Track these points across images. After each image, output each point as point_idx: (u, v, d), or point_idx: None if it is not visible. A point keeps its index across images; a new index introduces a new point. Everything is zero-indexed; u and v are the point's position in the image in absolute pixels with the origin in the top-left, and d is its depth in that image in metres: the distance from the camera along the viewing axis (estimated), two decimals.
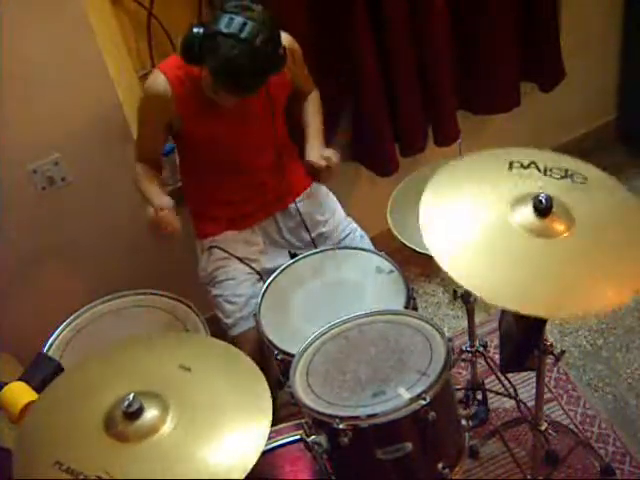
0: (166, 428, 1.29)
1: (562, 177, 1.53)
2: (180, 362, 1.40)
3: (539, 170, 1.55)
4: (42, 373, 1.47)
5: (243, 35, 1.64)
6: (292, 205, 2.10)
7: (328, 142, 2.05)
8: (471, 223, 1.47)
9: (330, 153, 1.98)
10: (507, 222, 1.44)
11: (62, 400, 1.40)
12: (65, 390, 1.43)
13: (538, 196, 1.42)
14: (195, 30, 1.69)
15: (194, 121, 1.88)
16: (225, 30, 1.65)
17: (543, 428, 1.85)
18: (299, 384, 1.55)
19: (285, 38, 1.92)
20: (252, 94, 1.77)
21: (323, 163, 1.96)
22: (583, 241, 1.41)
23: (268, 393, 1.36)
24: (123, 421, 1.29)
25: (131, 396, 1.29)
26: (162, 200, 1.86)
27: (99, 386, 1.40)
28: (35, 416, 1.37)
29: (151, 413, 1.30)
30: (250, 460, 1.25)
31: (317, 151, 2.00)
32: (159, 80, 1.84)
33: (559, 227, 1.42)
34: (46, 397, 1.41)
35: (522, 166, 1.56)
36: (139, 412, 1.29)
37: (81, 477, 1.24)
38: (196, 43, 1.69)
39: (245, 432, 1.30)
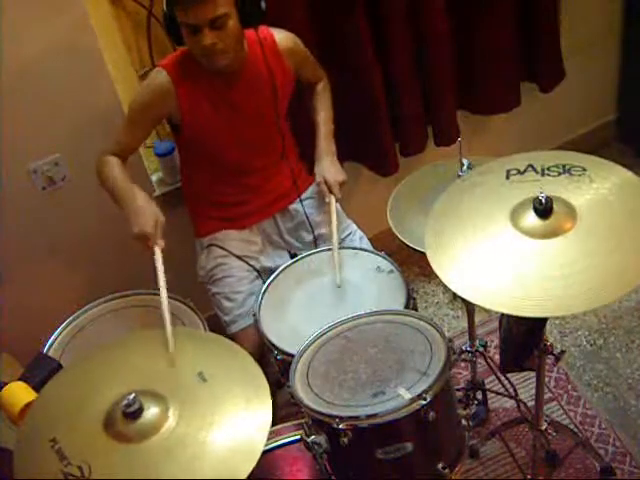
0: (169, 425, 1.29)
1: (560, 173, 1.53)
2: (197, 369, 1.39)
3: (536, 172, 1.55)
4: (42, 373, 1.47)
5: None
6: (292, 206, 2.11)
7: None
8: (478, 242, 1.46)
9: (343, 177, 2.03)
10: (511, 232, 1.44)
11: (62, 399, 1.40)
12: (65, 389, 1.43)
13: (537, 198, 1.43)
14: (164, 6, 1.76)
15: (195, 115, 1.88)
16: None
17: (543, 428, 1.85)
18: (299, 384, 1.55)
19: (285, 38, 1.92)
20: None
21: (338, 194, 2.01)
22: (590, 232, 1.41)
23: (261, 372, 1.38)
24: (123, 421, 1.29)
25: (131, 396, 1.29)
26: (156, 210, 1.79)
27: (97, 385, 1.40)
28: (35, 414, 1.37)
29: (151, 411, 1.30)
30: (260, 439, 1.26)
31: (332, 174, 2.02)
32: (160, 75, 1.85)
33: (563, 224, 1.42)
34: (46, 394, 1.41)
35: (519, 172, 1.57)
36: (139, 412, 1.29)
37: (65, 462, 1.25)
38: (167, 13, 1.74)
39: (248, 413, 1.31)
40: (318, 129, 2.09)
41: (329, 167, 2.03)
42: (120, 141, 1.94)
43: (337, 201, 2.04)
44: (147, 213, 1.76)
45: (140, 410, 1.29)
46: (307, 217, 2.08)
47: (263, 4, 1.78)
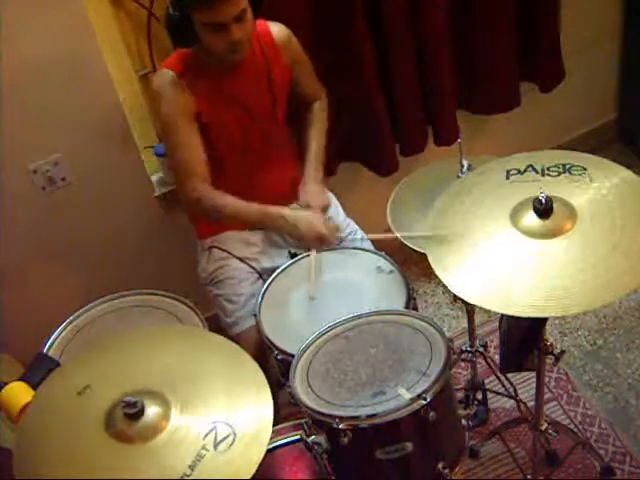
0: (170, 424, 1.28)
1: (560, 173, 1.54)
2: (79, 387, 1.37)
3: (536, 172, 1.55)
4: (42, 373, 1.46)
5: None
6: (292, 205, 2.10)
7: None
8: (478, 242, 1.47)
9: (327, 203, 2.04)
10: (511, 232, 1.44)
11: (59, 401, 1.40)
12: (61, 391, 1.43)
13: (537, 198, 1.43)
14: (170, 10, 1.75)
15: (205, 108, 1.88)
16: None
17: (543, 428, 1.85)
18: (299, 384, 1.55)
19: (281, 31, 1.94)
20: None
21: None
22: (590, 232, 1.41)
23: (261, 372, 1.37)
24: (125, 422, 1.28)
25: (131, 397, 1.28)
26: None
27: (97, 384, 1.39)
28: (33, 417, 1.37)
29: (152, 411, 1.30)
30: (263, 438, 1.26)
31: (316, 200, 1.99)
32: (168, 74, 1.86)
33: (563, 224, 1.42)
34: (41, 398, 1.41)
35: (519, 172, 1.57)
36: (140, 412, 1.29)
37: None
38: (174, 16, 1.74)
39: (249, 413, 1.31)
40: (308, 154, 2.07)
41: (313, 194, 2.01)
42: (187, 164, 1.89)
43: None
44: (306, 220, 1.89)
45: (141, 410, 1.29)
46: None
47: None
